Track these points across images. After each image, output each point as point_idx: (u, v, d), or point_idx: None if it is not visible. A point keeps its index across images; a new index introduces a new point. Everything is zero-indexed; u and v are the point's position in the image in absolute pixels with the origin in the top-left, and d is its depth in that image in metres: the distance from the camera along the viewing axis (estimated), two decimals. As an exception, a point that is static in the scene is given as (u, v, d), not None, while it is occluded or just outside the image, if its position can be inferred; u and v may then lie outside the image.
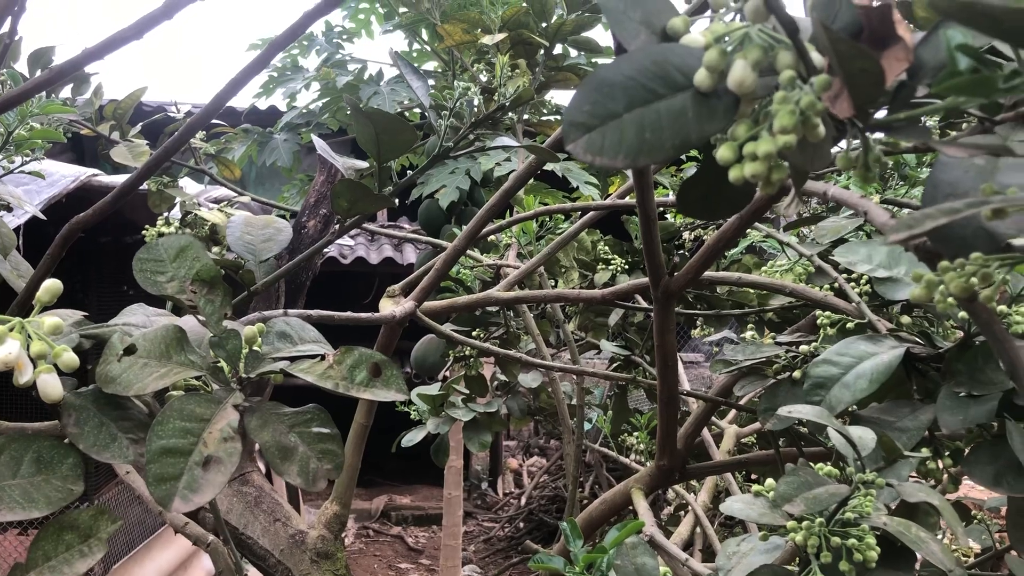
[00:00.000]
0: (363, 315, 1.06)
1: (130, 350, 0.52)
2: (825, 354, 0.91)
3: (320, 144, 0.89)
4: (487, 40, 1.76)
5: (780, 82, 0.38)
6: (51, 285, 0.51)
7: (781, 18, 0.39)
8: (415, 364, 2.05)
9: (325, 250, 3.64)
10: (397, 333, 1.45)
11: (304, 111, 2.87)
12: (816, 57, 0.42)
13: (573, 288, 2.23)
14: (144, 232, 1.68)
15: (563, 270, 2.23)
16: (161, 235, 1.50)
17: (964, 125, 0.76)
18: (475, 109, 0.88)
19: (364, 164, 0.89)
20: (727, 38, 0.42)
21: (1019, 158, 0.45)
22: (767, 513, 0.74)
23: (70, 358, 0.50)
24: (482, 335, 1.70)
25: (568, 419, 1.80)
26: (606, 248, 2.25)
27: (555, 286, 2.18)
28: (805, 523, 0.69)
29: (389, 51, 1.48)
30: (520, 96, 0.91)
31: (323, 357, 0.55)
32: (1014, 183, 0.44)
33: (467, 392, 2.00)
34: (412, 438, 2.19)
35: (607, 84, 0.43)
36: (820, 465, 0.76)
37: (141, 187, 0.85)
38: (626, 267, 2.24)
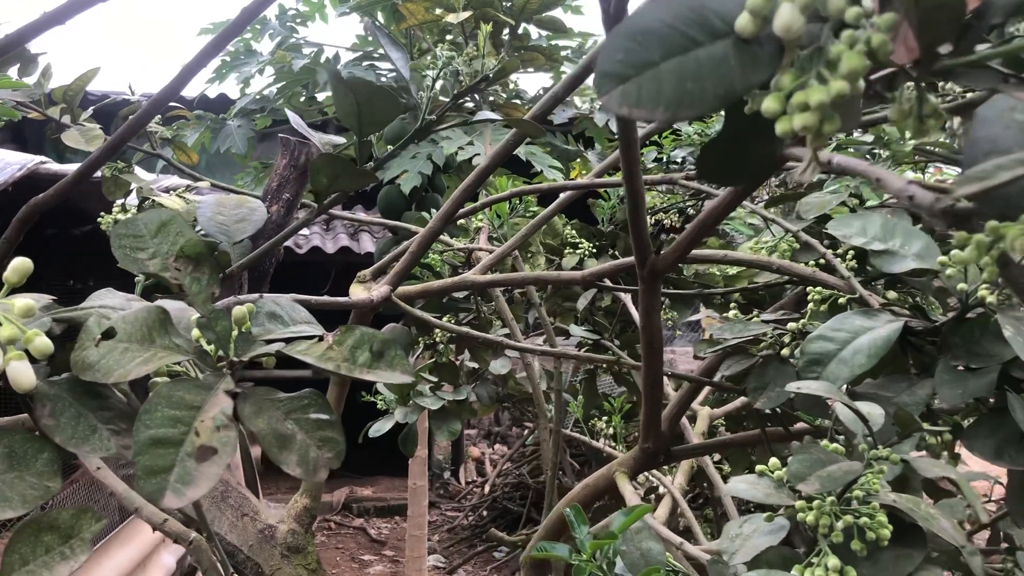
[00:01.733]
0: (340, 299, 1.01)
1: (109, 334, 0.48)
2: (820, 330, 0.89)
3: (295, 119, 0.84)
4: (451, 18, 1.71)
5: (846, 19, 0.35)
6: (20, 264, 0.46)
7: (835, -45, 0.36)
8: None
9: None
10: (367, 320, 1.41)
11: (258, 96, 2.78)
12: (867, 1, 0.39)
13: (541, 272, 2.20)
14: (100, 220, 1.61)
15: (530, 255, 2.20)
16: (117, 222, 1.43)
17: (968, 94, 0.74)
18: (460, 80, 0.84)
19: (341, 140, 0.84)
20: (769, -19, 0.39)
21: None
22: (773, 493, 0.71)
23: (43, 343, 0.45)
24: (452, 321, 1.66)
25: (543, 404, 1.77)
26: (573, 232, 2.22)
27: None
28: (816, 503, 0.67)
29: (364, 22, 1.42)
30: (504, 68, 0.87)
31: (321, 338, 0.51)
32: None
33: (435, 380, 1.96)
34: (380, 428, 2.14)
35: (641, 31, 0.39)
36: (824, 443, 0.74)
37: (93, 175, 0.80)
38: (594, 251, 2.22)
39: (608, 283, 1.31)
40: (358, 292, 1.30)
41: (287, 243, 5.06)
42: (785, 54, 0.39)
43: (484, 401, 2.13)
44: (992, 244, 0.41)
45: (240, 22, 0.68)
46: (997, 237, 0.40)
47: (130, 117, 0.75)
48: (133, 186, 1.66)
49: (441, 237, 1.65)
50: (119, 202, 1.62)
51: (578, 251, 2.20)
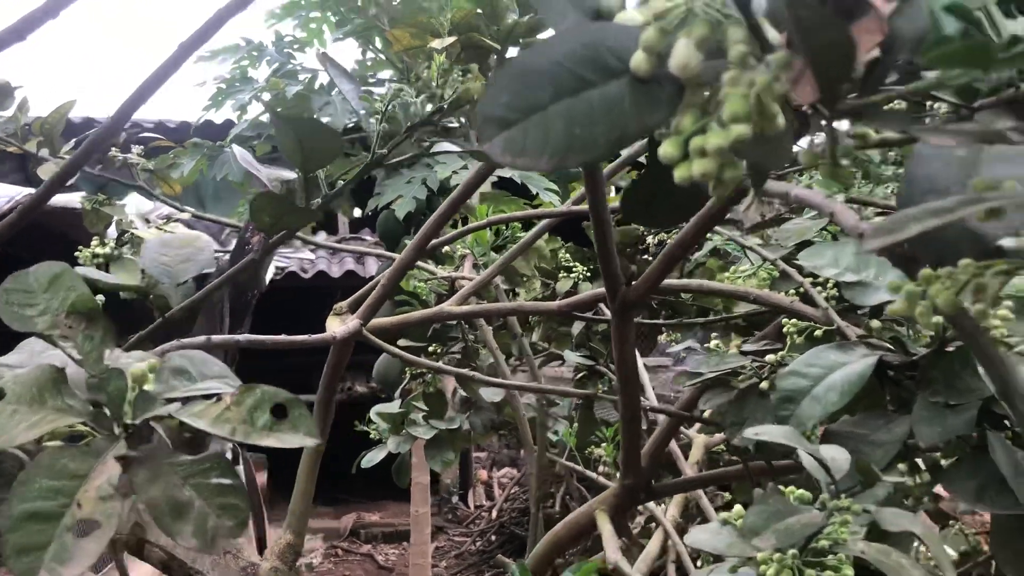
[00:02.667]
0: (298, 338, 0.98)
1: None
2: (793, 365, 0.85)
3: (241, 154, 0.82)
4: (436, 44, 1.69)
5: (730, 59, 0.32)
6: None
7: (731, -13, 0.33)
8: (377, 379, 1.97)
9: (284, 265, 3.55)
10: (347, 352, 1.38)
11: (254, 123, 2.77)
12: (773, 35, 0.36)
13: (535, 297, 2.16)
14: (78, 253, 1.59)
15: (524, 279, 2.17)
16: (96, 255, 1.41)
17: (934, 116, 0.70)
18: (411, 112, 0.81)
19: (291, 174, 0.82)
20: (669, 15, 0.36)
21: (1004, 148, 0.40)
22: (736, 544, 0.67)
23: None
24: (439, 349, 1.63)
25: (529, 435, 1.73)
26: (567, 256, 2.19)
27: (517, 296, 2.12)
28: (777, 556, 0.63)
29: (317, 54, 1.41)
30: (460, 98, 0.84)
31: (219, 397, 0.48)
32: (1002, 175, 0.38)
33: (427, 409, 1.93)
34: (372, 458, 2.11)
35: (529, 72, 0.36)
36: (791, 489, 0.70)
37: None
38: (588, 274, 2.19)
39: (588, 312, 1.28)
40: (334, 325, 1.27)
41: (292, 268, 5.01)
42: (687, 93, 0.36)
43: (478, 429, 2.10)
44: (923, 295, 0.38)
45: (197, 38, 0.65)
46: (927, 289, 0.36)
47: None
48: (114, 218, 1.64)
49: (426, 265, 1.62)
50: (99, 234, 1.60)
51: (572, 275, 2.16)
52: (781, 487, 0.71)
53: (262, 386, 0.48)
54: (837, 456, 0.66)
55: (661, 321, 1.43)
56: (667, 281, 1.03)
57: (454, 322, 1.82)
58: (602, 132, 0.35)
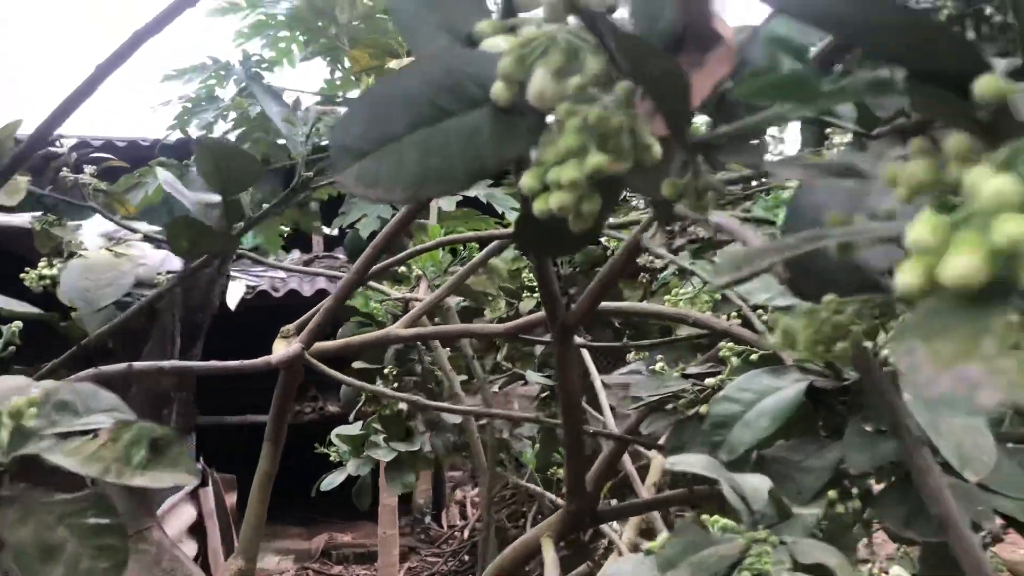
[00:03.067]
0: (231, 364, 0.96)
1: None
2: (727, 389, 0.84)
3: (165, 177, 0.80)
4: (394, 64, 1.68)
5: (569, 91, 0.31)
6: None
7: (583, 15, 0.32)
8: (344, 401, 1.95)
9: (255, 284, 3.52)
10: (297, 376, 1.35)
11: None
12: (635, 63, 0.35)
13: (500, 317, 2.15)
14: (23, 276, 1.56)
15: (490, 299, 2.15)
16: (43, 277, 1.39)
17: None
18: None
19: (216, 198, 0.80)
20: (532, 43, 0.35)
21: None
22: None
23: None
24: (394, 371, 1.62)
25: (482, 458, 1.71)
26: (531, 275, 2.18)
27: (481, 316, 2.10)
28: (696, 588, 0.62)
29: (244, 70, 1.40)
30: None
31: (95, 434, 0.46)
32: (890, 205, 0.37)
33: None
34: (332, 481, 2.08)
35: (386, 100, 0.35)
36: (716, 518, 0.69)
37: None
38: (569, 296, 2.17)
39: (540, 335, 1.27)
40: (280, 348, 1.25)
41: (264, 287, 4.97)
42: (551, 124, 0.35)
43: (440, 451, 2.07)
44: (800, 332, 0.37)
45: (112, 61, 0.63)
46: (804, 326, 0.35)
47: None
48: (64, 239, 1.62)
49: (380, 286, 1.61)
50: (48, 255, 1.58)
51: (535, 295, 2.15)
52: (707, 516, 0.70)
53: (140, 422, 0.46)
54: (759, 486, 0.65)
55: (604, 344, 1.42)
56: (605, 304, 1.02)
57: (413, 344, 1.80)
58: (459, 163, 0.34)
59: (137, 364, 0.74)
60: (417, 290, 1.60)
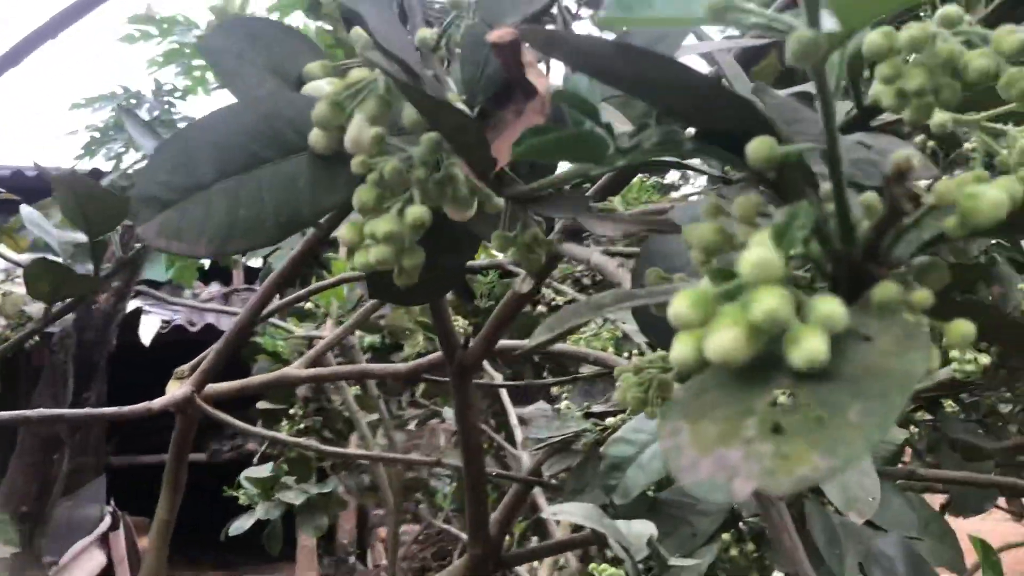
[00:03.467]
0: (107, 410, 0.92)
1: None
2: (622, 431, 0.84)
3: (28, 214, 0.76)
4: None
5: (374, 141, 0.30)
6: None
7: (397, 60, 0.30)
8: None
9: (170, 318, 3.41)
10: (193, 421, 1.30)
11: (128, 172, 2.67)
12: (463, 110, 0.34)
13: (420, 352, 2.12)
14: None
15: (408, 333, 2.12)
16: (-77, 316, 1.31)
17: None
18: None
19: (83, 237, 0.76)
20: (353, 87, 0.33)
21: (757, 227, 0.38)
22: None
23: None
24: (300, 412, 1.57)
25: (390, 498, 1.67)
26: (449, 309, 2.16)
27: (400, 351, 2.07)
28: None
29: (155, 99, 1.37)
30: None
31: None
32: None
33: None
34: (240, 525, 2.01)
35: (196, 145, 0.33)
36: (604, 567, 0.68)
37: None
38: (470, 328, 2.16)
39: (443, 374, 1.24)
40: (173, 390, 1.20)
41: (179, 322, 4.85)
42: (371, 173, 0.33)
43: (354, 491, 2.02)
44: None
45: None
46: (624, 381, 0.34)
47: None
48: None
49: (281, 323, 1.56)
50: None
51: (458, 325, 2.13)
52: (595, 563, 0.69)
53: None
54: (642, 532, 0.64)
55: (512, 383, 1.40)
56: (504, 343, 1.00)
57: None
58: (270, 214, 0.32)
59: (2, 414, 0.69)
60: (325, 327, 1.57)
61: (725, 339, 0.18)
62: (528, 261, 0.33)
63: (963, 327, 0.21)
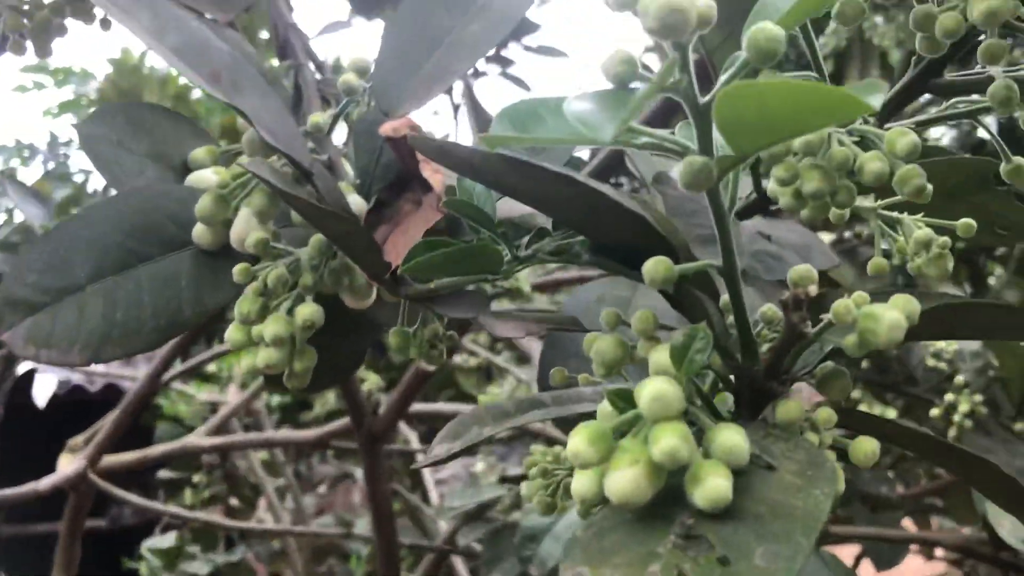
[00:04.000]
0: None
1: None
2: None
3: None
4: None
5: (246, 247, 0.28)
6: None
7: (282, 154, 0.29)
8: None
9: (67, 378, 3.21)
10: (85, 498, 1.23)
11: (20, 227, 2.56)
12: (356, 200, 0.32)
13: (330, 411, 2.07)
14: None
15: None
16: None
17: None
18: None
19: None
20: (238, 180, 0.32)
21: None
22: None
23: None
24: (205, 479, 1.50)
25: (299, 567, 1.61)
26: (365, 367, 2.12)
27: (310, 410, 2.01)
28: None
29: (50, 151, 1.32)
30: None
31: None
32: (649, 305, 0.36)
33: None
34: (142, 600, 1.90)
35: (69, 243, 0.30)
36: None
37: None
38: (384, 386, 2.12)
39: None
40: (65, 464, 1.14)
41: (78, 381, 4.64)
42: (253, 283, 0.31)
43: (264, 560, 1.94)
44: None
45: None
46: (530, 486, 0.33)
47: None
48: None
49: (184, 388, 1.50)
50: None
51: (364, 385, 2.09)
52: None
53: None
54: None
55: (420, 449, 1.37)
56: (416, 407, 0.98)
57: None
58: (150, 317, 0.30)
59: None
60: (228, 391, 1.51)
61: (625, 480, 0.17)
62: (429, 358, 0.32)
63: (867, 445, 0.21)
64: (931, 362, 0.88)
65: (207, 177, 0.33)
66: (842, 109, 0.15)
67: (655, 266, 0.19)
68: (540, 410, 0.26)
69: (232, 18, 0.36)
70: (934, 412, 0.88)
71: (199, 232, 0.31)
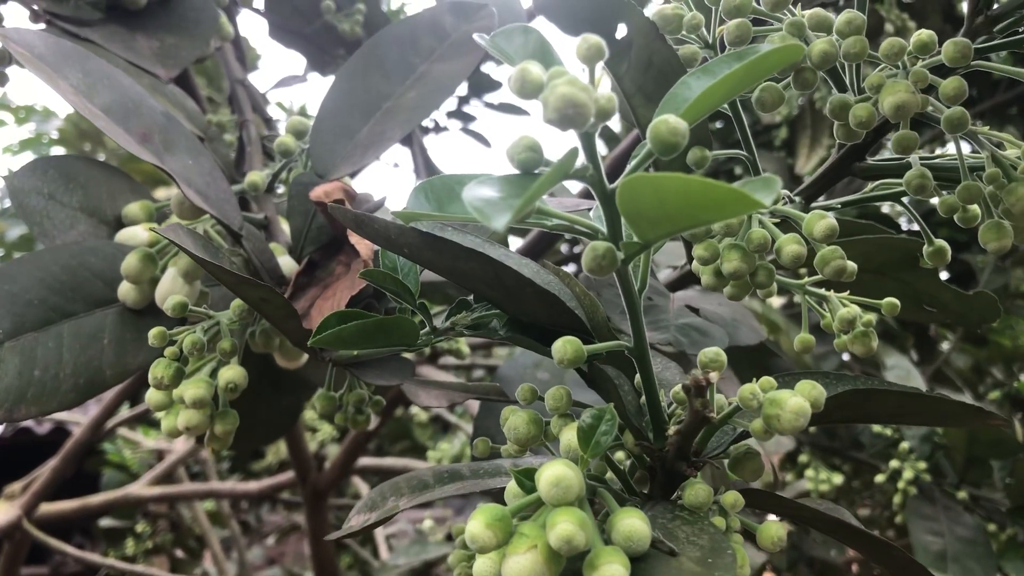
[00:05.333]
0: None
1: None
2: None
3: None
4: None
5: (167, 308, 0.28)
6: None
7: (212, 215, 0.29)
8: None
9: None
10: (20, 547, 1.19)
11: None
12: (287, 262, 0.32)
13: (280, 460, 2.03)
14: None
15: (272, 439, 2.03)
16: None
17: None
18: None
19: None
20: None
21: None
22: None
23: None
24: (149, 529, 1.46)
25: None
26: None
27: (262, 458, 1.98)
28: None
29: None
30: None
31: None
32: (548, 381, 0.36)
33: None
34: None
35: (-12, 298, 0.30)
36: None
37: None
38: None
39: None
40: (0, 512, 1.10)
41: (24, 423, 4.54)
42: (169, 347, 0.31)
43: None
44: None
45: None
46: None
47: None
48: None
49: (130, 435, 1.47)
50: None
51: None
52: None
53: None
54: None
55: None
56: (363, 461, 0.97)
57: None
58: (69, 376, 0.29)
59: None
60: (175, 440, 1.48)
61: (522, 565, 0.17)
62: (355, 422, 0.32)
63: (773, 530, 0.21)
64: (876, 428, 0.89)
65: (137, 234, 0.33)
66: (733, 206, 0.15)
67: (564, 346, 0.19)
68: (458, 483, 0.26)
69: (175, 75, 0.36)
70: (879, 478, 0.89)
71: (125, 290, 0.31)
